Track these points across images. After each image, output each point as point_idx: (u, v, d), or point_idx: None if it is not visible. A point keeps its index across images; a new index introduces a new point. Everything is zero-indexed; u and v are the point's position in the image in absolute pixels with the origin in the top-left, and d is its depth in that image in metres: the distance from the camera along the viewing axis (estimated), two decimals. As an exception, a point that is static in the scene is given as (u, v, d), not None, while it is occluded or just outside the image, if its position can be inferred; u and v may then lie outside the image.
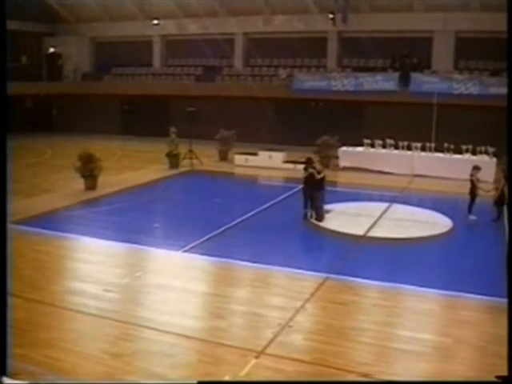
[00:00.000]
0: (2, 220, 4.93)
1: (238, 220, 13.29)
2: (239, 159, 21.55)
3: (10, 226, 10.74)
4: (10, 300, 7.49)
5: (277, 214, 14.18)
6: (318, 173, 13.43)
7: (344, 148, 20.92)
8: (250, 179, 19.73)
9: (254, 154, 21.41)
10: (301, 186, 14.09)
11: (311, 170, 13.43)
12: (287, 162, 20.69)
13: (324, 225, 13.07)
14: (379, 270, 10.01)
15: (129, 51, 30.78)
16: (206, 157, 21.50)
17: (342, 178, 19.37)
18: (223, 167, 21.15)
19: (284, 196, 15.98)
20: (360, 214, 14.10)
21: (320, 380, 6.35)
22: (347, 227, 12.76)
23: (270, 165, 20.62)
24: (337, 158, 20.81)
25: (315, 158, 15.12)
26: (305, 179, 13.62)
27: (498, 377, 4.90)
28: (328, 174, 14.33)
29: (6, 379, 4.53)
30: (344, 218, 13.80)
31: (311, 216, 13.39)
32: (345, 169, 20.38)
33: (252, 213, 13.98)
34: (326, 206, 13.76)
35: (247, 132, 24.55)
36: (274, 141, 24.59)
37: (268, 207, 14.75)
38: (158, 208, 15.40)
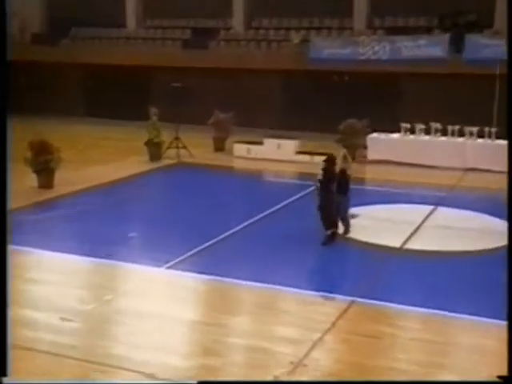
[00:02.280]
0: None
1: (238, 228, 13.34)
2: (239, 149, 21.63)
3: None
4: None
5: (288, 220, 14.22)
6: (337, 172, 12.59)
7: (375, 135, 20.97)
8: (254, 175, 19.83)
9: (259, 143, 21.48)
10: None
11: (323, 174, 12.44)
12: (301, 152, 20.74)
13: (348, 234, 13.07)
14: (420, 292, 10.01)
15: (94, 7, 30.69)
16: (196, 146, 21.57)
17: (372, 173, 19.44)
18: (219, 160, 21.22)
19: (297, 197, 16.01)
20: (395, 221, 14.13)
21: (325, 380, 6.41)
22: (378, 237, 12.76)
23: (280, 157, 20.66)
24: (365, 147, 20.86)
25: (339, 152, 13.95)
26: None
27: (498, 377, 5.49)
28: (353, 169, 14.13)
29: (5, 379, 4.68)
30: (374, 225, 13.84)
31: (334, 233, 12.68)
32: (375, 162, 20.41)
33: (256, 218, 14.04)
34: (351, 210, 13.66)
35: (249, 114, 24.67)
36: (283, 126, 24.69)
37: (276, 211, 14.80)
38: (134, 212, 15.46)
